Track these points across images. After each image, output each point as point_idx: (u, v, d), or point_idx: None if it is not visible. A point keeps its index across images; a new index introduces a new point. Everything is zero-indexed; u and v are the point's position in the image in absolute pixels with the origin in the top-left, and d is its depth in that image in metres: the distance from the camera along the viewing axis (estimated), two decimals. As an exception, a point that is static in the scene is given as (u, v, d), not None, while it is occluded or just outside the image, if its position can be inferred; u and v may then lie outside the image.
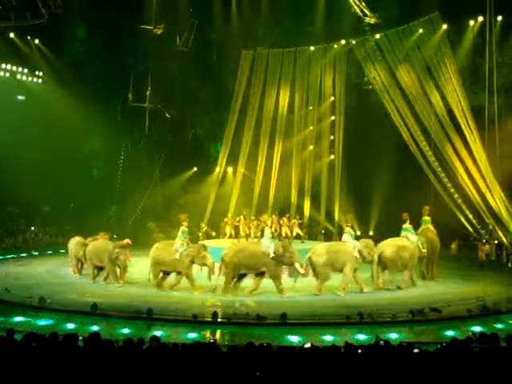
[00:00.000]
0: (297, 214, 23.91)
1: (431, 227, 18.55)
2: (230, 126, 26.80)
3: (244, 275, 16.13)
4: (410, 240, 17.20)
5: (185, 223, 16.68)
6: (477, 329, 11.65)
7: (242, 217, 22.30)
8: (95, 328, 11.93)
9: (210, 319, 12.94)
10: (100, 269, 17.59)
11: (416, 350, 6.97)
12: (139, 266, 18.23)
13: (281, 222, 21.79)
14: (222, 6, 26.60)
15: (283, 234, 21.62)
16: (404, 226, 17.92)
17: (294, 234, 21.77)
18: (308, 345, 7.35)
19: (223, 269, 15.98)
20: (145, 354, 6.47)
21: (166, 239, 25.64)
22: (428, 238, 17.83)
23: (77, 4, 25.12)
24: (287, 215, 22.60)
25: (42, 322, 12.92)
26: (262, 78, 26.55)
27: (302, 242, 21.45)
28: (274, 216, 22.51)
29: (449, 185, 22.18)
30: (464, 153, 21.54)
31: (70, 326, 12.39)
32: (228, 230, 22.02)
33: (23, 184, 24.82)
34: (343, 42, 25.51)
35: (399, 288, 16.65)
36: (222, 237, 22.30)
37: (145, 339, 7.12)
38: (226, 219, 22.72)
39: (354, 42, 25.19)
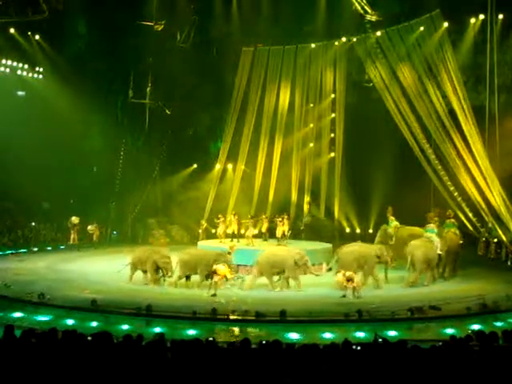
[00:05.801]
0: (285, 212, 22.93)
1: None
2: (230, 123, 26.71)
3: None
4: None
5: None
6: (476, 327, 11.67)
7: (232, 216, 22.02)
8: (94, 324, 11.96)
9: (209, 316, 12.97)
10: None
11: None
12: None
13: (277, 221, 21.59)
14: (222, 3, 26.50)
15: (277, 234, 21.44)
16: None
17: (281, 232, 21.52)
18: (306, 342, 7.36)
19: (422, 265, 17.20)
20: (144, 350, 6.47)
21: (166, 235, 25.95)
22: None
23: (77, 0, 25.06)
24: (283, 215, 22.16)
25: (42, 318, 12.94)
26: (263, 75, 26.43)
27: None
28: (263, 215, 22.48)
29: (449, 183, 22.11)
30: (464, 151, 21.48)
31: (70, 321, 12.40)
32: (220, 229, 21.84)
33: (23, 180, 24.77)
34: (344, 39, 25.36)
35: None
36: (220, 237, 21.93)
37: (144, 335, 7.13)
38: (219, 218, 22.24)
39: (354, 40, 25.07)
